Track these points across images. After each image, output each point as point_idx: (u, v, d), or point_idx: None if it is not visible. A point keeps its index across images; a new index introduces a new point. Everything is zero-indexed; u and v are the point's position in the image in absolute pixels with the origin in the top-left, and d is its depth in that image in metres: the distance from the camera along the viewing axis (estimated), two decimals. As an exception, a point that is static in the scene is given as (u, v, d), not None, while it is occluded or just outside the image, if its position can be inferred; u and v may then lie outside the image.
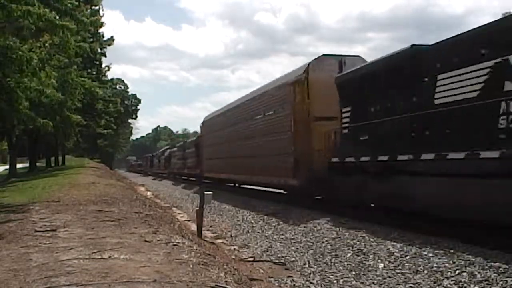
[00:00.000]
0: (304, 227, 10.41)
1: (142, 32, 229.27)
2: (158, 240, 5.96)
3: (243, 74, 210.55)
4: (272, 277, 6.64)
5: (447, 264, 6.42)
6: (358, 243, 8.27)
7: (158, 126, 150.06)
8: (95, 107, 36.62)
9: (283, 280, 6.48)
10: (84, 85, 22.76)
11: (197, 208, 9.96)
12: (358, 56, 14.69)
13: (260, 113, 17.39)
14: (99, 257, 4.84)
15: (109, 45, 36.79)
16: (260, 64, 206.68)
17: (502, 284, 5.51)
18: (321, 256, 7.72)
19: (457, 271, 6.09)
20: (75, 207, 9.40)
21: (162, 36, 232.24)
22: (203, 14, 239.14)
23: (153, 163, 62.44)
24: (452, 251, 6.98)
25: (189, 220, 12.91)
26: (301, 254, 7.99)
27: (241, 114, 20.15)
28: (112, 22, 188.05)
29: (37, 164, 36.97)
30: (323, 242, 8.73)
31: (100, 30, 30.57)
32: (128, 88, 76.49)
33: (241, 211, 14.49)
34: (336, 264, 7.13)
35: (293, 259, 7.68)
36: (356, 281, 6.22)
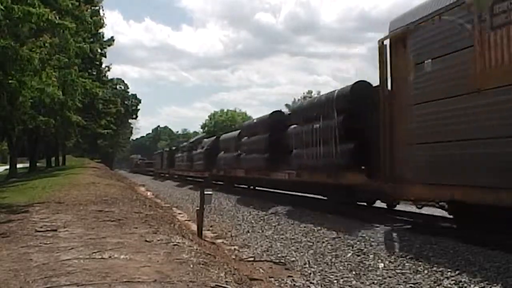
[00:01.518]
0: (304, 227, 10.42)
1: (141, 32, 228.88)
2: (159, 240, 5.96)
3: (242, 74, 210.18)
4: (272, 277, 6.64)
5: (447, 264, 6.43)
6: (358, 243, 8.27)
7: (158, 126, 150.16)
8: (96, 107, 36.68)
9: (283, 280, 6.48)
10: (85, 86, 22.77)
11: (197, 208, 9.96)
12: None
13: None
14: (100, 257, 4.84)
15: (109, 45, 36.89)
16: (260, 64, 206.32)
17: (502, 284, 5.51)
18: (321, 256, 7.73)
19: (457, 271, 6.09)
20: (76, 207, 9.40)
21: (162, 36, 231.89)
22: (203, 14, 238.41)
23: (174, 162, 42.26)
24: (452, 251, 6.98)
25: (189, 220, 12.90)
26: (301, 254, 7.99)
27: None
28: (111, 22, 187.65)
29: (37, 164, 36.98)
30: (323, 242, 8.74)
31: (100, 31, 30.66)
32: (128, 88, 76.77)
33: (241, 211, 14.50)
34: (336, 264, 7.13)
35: (293, 259, 7.67)
36: (356, 281, 6.22)
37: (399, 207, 11.44)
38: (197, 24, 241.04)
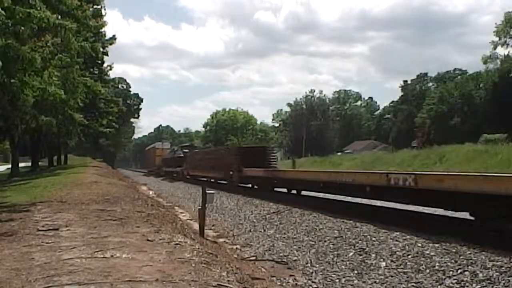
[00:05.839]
0: (306, 226, 10.41)
1: (141, 31, 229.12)
2: (161, 239, 5.97)
3: (243, 74, 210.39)
4: (274, 276, 6.64)
5: (449, 263, 6.41)
6: (360, 242, 8.26)
7: (160, 125, 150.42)
8: (98, 107, 36.71)
9: (285, 279, 6.48)
10: (86, 84, 22.80)
11: (199, 207, 9.96)
12: None
13: None
14: (102, 256, 4.84)
15: (111, 44, 36.86)
16: (260, 63, 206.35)
17: (504, 284, 5.50)
18: (323, 255, 7.72)
19: (459, 270, 6.08)
20: (77, 206, 9.41)
21: (162, 35, 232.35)
22: (203, 13, 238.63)
23: None
24: (454, 250, 6.97)
25: (191, 219, 12.91)
26: (303, 253, 7.98)
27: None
28: (111, 21, 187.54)
29: (39, 163, 37.02)
30: (325, 241, 8.73)
31: (102, 30, 30.63)
32: (130, 87, 76.93)
33: (243, 210, 14.49)
34: (338, 263, 7.12)
35: (295, 258, 7.67)
36: (358, 280, 6.22)
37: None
38: (197, 23, 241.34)
